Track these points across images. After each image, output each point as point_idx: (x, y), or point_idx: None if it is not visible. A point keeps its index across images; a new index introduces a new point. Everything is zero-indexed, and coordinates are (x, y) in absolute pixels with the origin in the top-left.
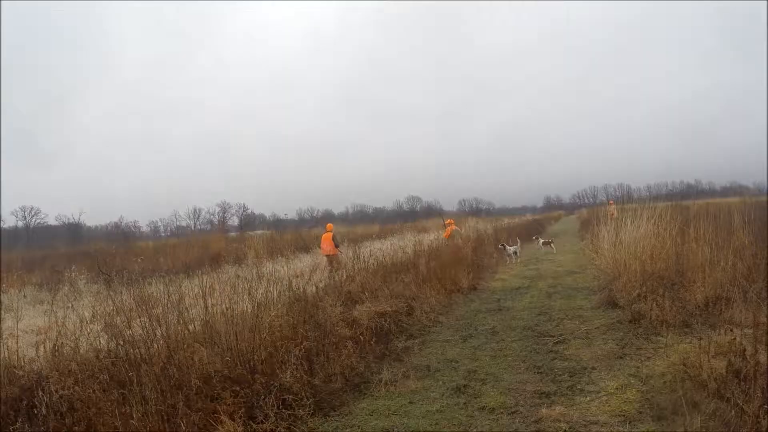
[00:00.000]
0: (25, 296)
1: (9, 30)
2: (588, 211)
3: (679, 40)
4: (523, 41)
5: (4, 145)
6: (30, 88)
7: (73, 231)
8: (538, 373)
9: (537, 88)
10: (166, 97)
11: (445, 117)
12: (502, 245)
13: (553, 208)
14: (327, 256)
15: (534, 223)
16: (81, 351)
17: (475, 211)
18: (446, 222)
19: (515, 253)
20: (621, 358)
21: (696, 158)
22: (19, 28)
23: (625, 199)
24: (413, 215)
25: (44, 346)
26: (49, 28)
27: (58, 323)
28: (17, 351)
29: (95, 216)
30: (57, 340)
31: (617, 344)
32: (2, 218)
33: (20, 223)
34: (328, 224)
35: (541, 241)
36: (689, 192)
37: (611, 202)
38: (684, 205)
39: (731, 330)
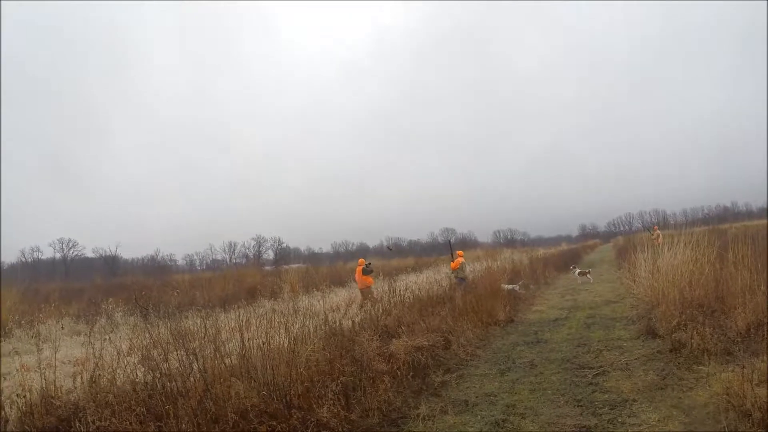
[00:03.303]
0: (62, 327)
1: (50, 61)
2: (624, 239)
3: (706, 54)
4: (551, 65)
5: (43, 175)
6: (67, 117)
7: (109, 263)
8: (578, 406)
9: (567, 113)
10: (200, 130)
11: (476, 146)
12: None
13: (589, 236)
14: (361, 290)
15: (569, 253)
16: (118, 383)
17: (510, 242)
18: (457, 253)
19: (514, 290)
20: (662, 389)
21: (730, 178)
22: (57, 58)
23: (661, 225)
24: (449, 248)
25: (81, 377)
26: (87, 58)
27: (96, 355)
28: (54, 381)
29: (131, 248)
30: (94, 371)
31: (658, 375)
32: None
33: (58, 255)
34: (360, 259)
35: (578, 270)
36: (726, 215)
37: (656, 228)
38: (721, 229)
39: None
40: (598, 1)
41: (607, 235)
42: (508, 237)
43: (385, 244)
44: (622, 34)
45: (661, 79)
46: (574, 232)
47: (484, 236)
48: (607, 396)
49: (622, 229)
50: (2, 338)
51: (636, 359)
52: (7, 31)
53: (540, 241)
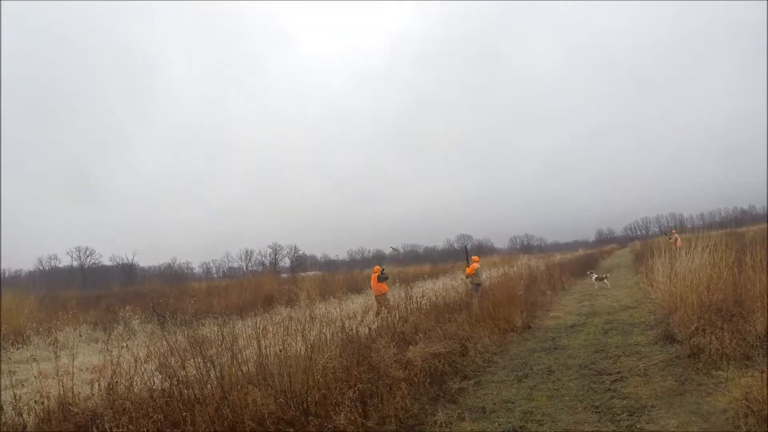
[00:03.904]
0: (80, 335)
1: (64, 74)
2: (641, 244)
3: (717, 53)
4: (561, 68)
5: (61, 185)
6: (84, 128)
7: (126, 271)
8: (596, 412)
9: (578, 117)
10: (214, 138)
11: (491, 151)
12: None
13: (606, 241)
14: (376, 296)
15: (586, 258)
16: (135, 390)
17: (526, 247)
18: (473, 259)
19: None
20: (681, 394)
21: (748, 182)
22: (73, 70)
23: (678, 228)
24: (465, 254)
25: (99, 384)
26: (103, 70)
27: (113, 362)
28: (72, 388)
29: (148, 256)
30: (112, 378)
31: (676, 380)
32: None
33: (75, 263)
34: (375, 267)
35: (595, 276)
36: (743, 218)
37: (674, 231)
38: (739, 232)
39: None
40: (607, 2)
41: (624, 240)
42: (525, 243)
43: (401, 251)
44: (629, 35)
45: (671, 79)
46: (591, 237)
47: (500, 242)
48: (625, 402)
49: (639, 233)
50: (21, 345)
51: (654, 365)
52: (25, 44)
53: (556, 247)
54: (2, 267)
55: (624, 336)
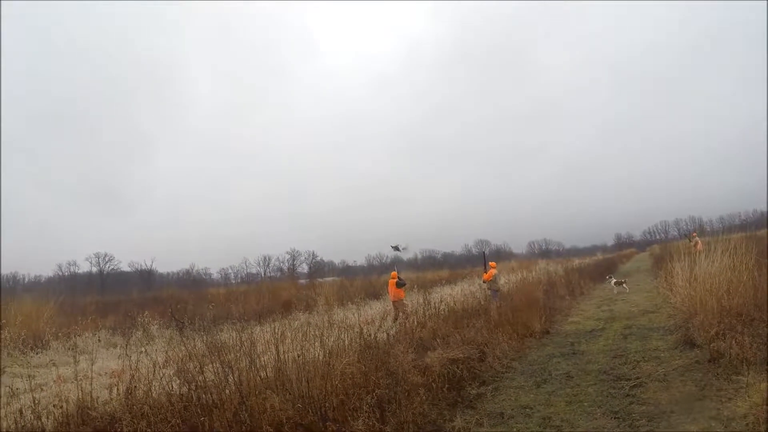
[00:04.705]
0: (99, 340)
1: (92, 86)
2: (660, 247)
3: (737, 57)
4: (573, 70)
5: (84, 193)
6: (105, 136)
7: (145, 277)
8: (615, 418)
9: (589, 118)
10: (232, 144)
11: (508, 156)
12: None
13: (624, 245)
14: (393, 302)
15: (605, 263)
16: (153, 394)
17: (544, 252)
18: (490, 264)
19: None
20: (701, 400)
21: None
22: (97, 82)
23: (698, 232)
24: (482, 259)
25: (118, 389)
26: (124, 79)
27: (132, 366)
28: (91, 392)
29: (167, 262)
30: (130, 383)
31: (696, 386)
32: None
33: (94, 269)
34: (393, 272)
35: (614, 280)
36: (763, 221)
37: (694, 234)
38: (759, 235)
39: None
40: (614, 2)
41: (643, 244)
42: (543, 247)
43: (419, 256)
44: (640, 35)
45: (685, 78)
46: (610, 241)
47: (519, 247)
48: (644, 408)
49: (658, 237)
50: (39, 350)
51: (674, 370)
52: (49, 54)
53: (575, 251)
54: (21, 273)
55: (643, 341)
